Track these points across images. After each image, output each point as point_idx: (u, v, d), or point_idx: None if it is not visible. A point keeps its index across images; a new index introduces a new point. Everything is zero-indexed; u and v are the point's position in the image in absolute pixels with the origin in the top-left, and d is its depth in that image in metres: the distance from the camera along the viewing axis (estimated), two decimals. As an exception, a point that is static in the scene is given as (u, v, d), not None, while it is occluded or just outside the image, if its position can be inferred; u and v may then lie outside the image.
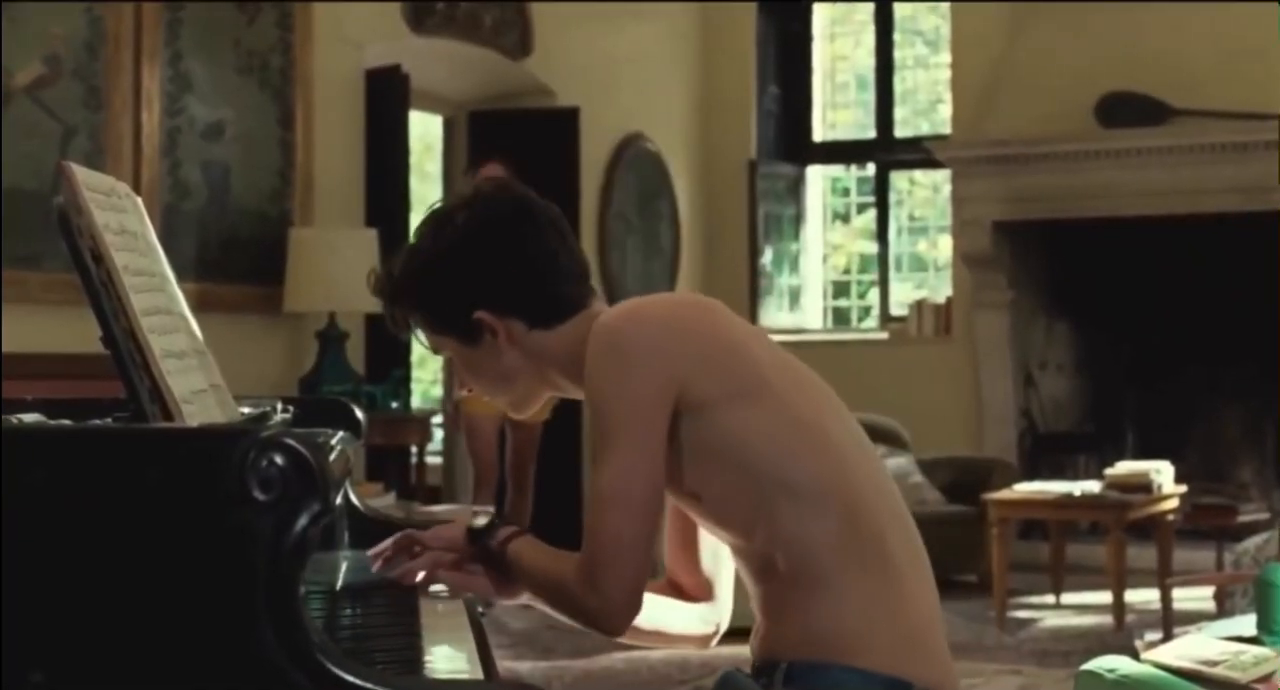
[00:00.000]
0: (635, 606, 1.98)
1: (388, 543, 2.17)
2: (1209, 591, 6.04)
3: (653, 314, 2.05)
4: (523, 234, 2.12)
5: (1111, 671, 3.38)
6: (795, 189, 9.66)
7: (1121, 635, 6.01)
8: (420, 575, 2.12)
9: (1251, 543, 5.65)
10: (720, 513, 2.05)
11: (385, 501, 5.85)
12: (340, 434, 2.19)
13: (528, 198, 2.16)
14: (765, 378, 2.04)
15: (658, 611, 2.21)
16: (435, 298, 2.13)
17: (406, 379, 6.97)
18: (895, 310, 9.40)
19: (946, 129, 9.06)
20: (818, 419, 2.06)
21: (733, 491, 2.01)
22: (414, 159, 7.53)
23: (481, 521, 2.14)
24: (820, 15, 9.73)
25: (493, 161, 6.68)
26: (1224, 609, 5.29)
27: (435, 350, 2.20)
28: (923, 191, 9.83)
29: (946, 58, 9.16)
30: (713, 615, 2.27)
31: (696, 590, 2.27)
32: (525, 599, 2.18)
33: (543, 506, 7.42)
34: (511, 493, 6.74)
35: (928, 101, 9.73)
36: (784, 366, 2.08)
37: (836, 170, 9.89)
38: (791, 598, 2.01)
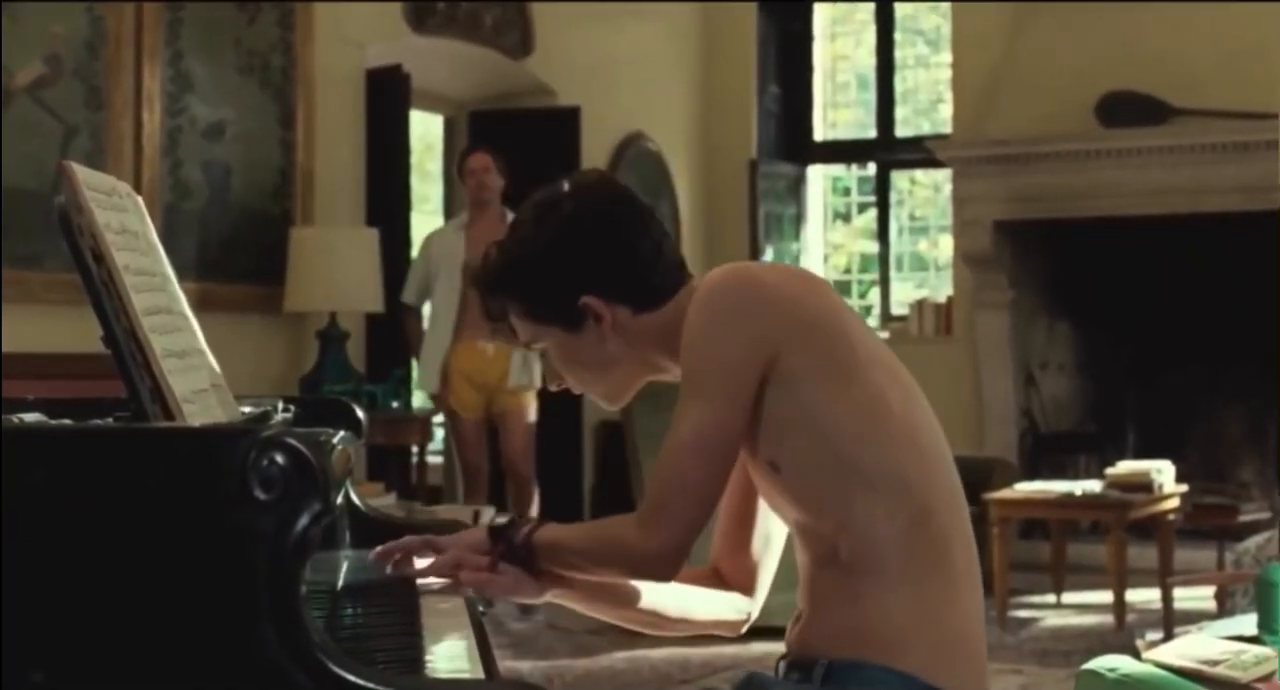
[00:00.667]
0: (686, 551, 1.99)
1: (398, 544, 2.15)
2: (1210, 591, 6.04)
3: (762, 278, 2.06)
4: (628, 220, 2.14)
5: (1112, 671, 3.38)
6: (796, 188, 9.67)
7: (1122, 635, 6.01)
8: (441, 577, 2.12)
9: (1252, 542, 5.65)
10: (797, 488, 2.04)
11: (386, 501, 5.85)
12: (341, 433, 2.19)
13: (628, 188, 2.21)
14: (862, 362, 2.03)
15: (687, 595, 2.21)
16: (542, 284, 2.13)
17: (407, 379, 6.97)
18: (896, 310, 9.40)
19: (947, 128, 9.06)
20: (907, 414, 2.05)
21: (813, 469, 2.01)
22: (415, 158, 7.53)
23: (502, 520, 2.15)
24: (821, 15, 9.73)
25: (479, 151, 6.68)
26: (1225, 608, 5.29)
27: (529, 344, 2.19)
28: (923, 191, 9.83)
29: (947, 57, 9.16)
30: (746, 604, 2.26)
31: (739, 576, 2.26)
32: (550, 596, 2.17)
33: (546, 508, 7.43)
34: (514, 490, 6.74)
35: (928, 101, 9.73)
36: (881, 355, 2.08)
37: (837, 170, 9.89)
38: (844, 588, 2.00)
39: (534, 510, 6.37)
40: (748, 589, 2.26)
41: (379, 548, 2.16)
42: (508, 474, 6.70)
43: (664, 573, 2.01)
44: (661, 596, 2.19)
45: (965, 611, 2.02)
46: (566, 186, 2.17)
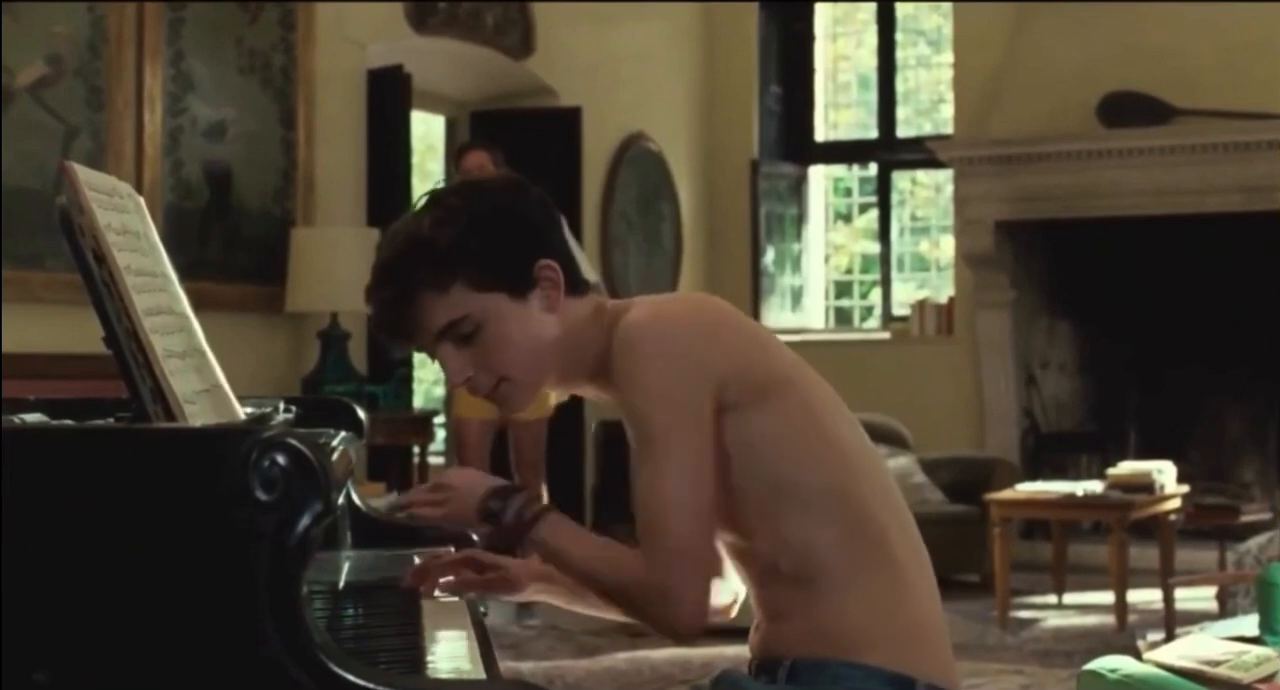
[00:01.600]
0: (707, 607, 1.97)
1: (416, 497, 2.13)
2: (1211, 591, 6.04)
3: (683, 316, 2.03)
4: (535, 205, 2.12)
5: (1114, 671, 3.38)
6: (797, 189, 9.66)
7: (1124, 635, 6.01)
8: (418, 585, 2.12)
9: (1254, 543, 5.65)
10: (727, 512, 2.02)
11: (387, 501, 5.85)
12: (342, 434, 2.19)
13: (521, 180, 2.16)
14: (789, 378, 2.04)
15: None
16: (505, 244, 2.05)
17: (409, 379, 6.97)
18: (897, 310, 9.40)
19: (948, 129, 9.06)
20: (831, 421, 2.05)
21: (739, 495, 2.00)
22: (416, 159, 7.53)
23: (495, 499, 2.04)
24: (822, 15, 9.73)
25: (475, 149, 6.66)
26: (1226, 609, 5.29)
27: (449, 325, 2.04)
28: (925, 191, 9.83)
29: (949, 57, 9.16)
30: (732, 585, 2.24)
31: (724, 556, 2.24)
32: (532, 592, 2.17)
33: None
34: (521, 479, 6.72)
35: (930, 101, 9.73)
36: (800, 370, 2.08)
37: (838, 170, 9.89)
38: (794, 599, 2.01)
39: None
40: (721, 573, 2.22)
41: (402, 499, 2.14)
42: (518, 466, 6.63)
43: (689, 633, 1.96)
44: None
45: (918, 598, 2.04)
46: (473, 180, 2.23)
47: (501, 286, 2.05)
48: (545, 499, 6.65)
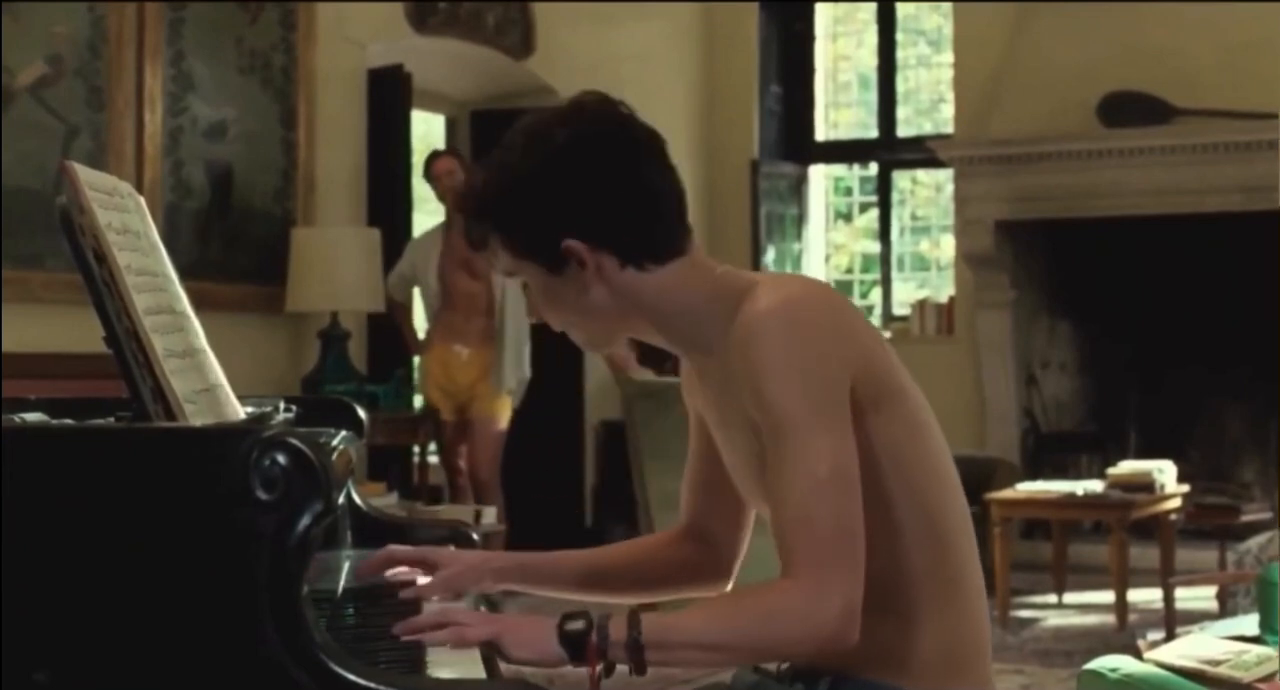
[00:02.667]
0: (860, 608, 1.76)
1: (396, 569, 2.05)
2: (1211, 591, 6.04)
3: (816, 303, 1.88)
4: (625, 159, 1.94)
5: (1114, 671, 3.38)
6: (798, 188, 9.66)
7: (1124, 635, 6.01)
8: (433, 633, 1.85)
9: (1254, 542, 5.65)
10: None
11: (387, 501, 5.85)
12: (343, 433, 2.19)
13: (633, 120, 1.99)
14: (903, 387, 1.93)
15: (665, 571, 2.16)
16: (523, 220, 1.92)
17: (409, 378, 6.98)
18: (897, 310, 9.40)
19: (949, 128, 9.06)
20: (934, 441, 1.96)
21: None
22: (416, 159, 7.53)
23: (576, 624, 1.77)
24: (823, 14, 9.73)
25: (444, 155, 6.67)
26: (1226, 609, 5.29)
27: (509, 274, 1.99)
28: (925, 191, 9.82)
29: (949, 57, 9.16)
30: (730, 562, 2.18)
31: (722, 530, 2.17)
32: (503, 585, 2.11)
33: (547, 508, 7.43)
34: (476, 495, 6.69)
35: (930, 101, 9.73)
36: (910, 379, 1.97)
37: (839, 170, 9.89)
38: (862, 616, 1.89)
39: (491, 516, 6.31)
40: (732, 543, 2.18)
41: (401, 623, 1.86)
42: (470, 478, 6.70)
43: (852, 633, 1.75)
44: (645, 584, 2.15)
45: (976, 630, 1.98)
46: (563, 111, 1.99)
47: (531, 259, 1.94)
48: (499, 507, 6.69)
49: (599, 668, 1.76)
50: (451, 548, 2.32)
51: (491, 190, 1.94)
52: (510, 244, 1.94)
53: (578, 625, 1.76)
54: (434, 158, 6.72)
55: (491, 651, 1.81)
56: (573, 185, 1.91)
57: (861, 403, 1.86)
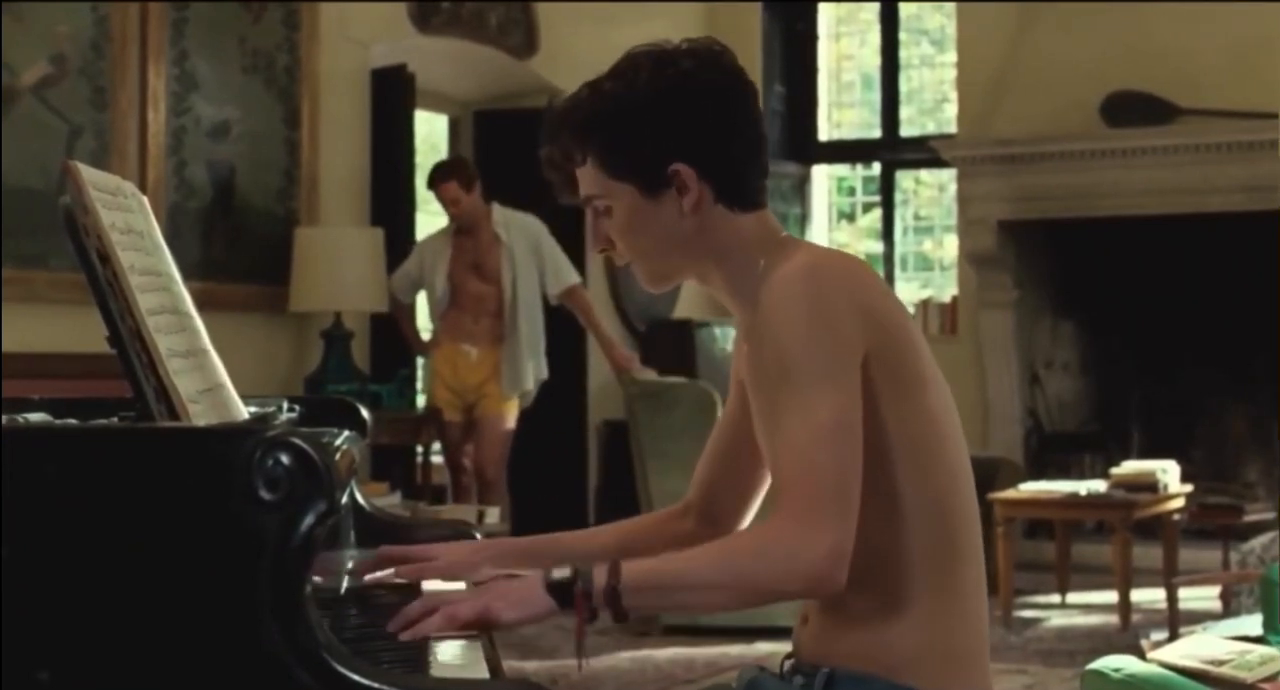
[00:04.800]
0: (849, 559, 1.78)
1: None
2: (1215, 591, 6.03)
3: (856, 273, 1.92)
4: (743, 100, 2.00)
5: (1117, 671, 3.38)
6: (800, 188, 9.66)
7: (1127, 635, 6.01)
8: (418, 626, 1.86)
9: (1257, 542, 5.65)
10: None
11: (391, 501, 5.85)
12: (346, 433, 2.19)
13: (745, 73, 2.04)
14: (927, 378, 1.95)
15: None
16: (641, 138, 1.95)
17: (412, 378, 6.98)
18: (900, 309, 9.39)
19: (952, 128, 9.06)
20: (952, 435, 1.97)
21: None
22: (419, 158, 7.54)
23: (561, 574, 1.81)
24: (825, 14, 9.73)
25: (444, 182, 6.64)
26: (1230, 608, 5.29)
27: (590, 198, 2.00)
28: (928, 191, 9.82)
29: (952, 57, 9.15)
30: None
31: (728, 507, 2.19)
32: (487, 573, 2.10)
33: (550, 507, 7.42)
34: (481, 495, 6.71)
35: (933, 101, 9.73)
36: (937, 372, 1.99)
37: (842, 169, 9.88)
38: (860, 606, 1.92)
39: (494, 516, 6.33)
40: (736, 518, 2.19)
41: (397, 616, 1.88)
42: (477, 478, 6.71)
43: (838, 577, 1.77)
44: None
45: (975, 627, 1.98)
46: (685, 46, 2.00)
47: (631, 179, 1.97)
48: (504, 506, 6.70)
49: (585, 616, 1.78)
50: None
51: (608, 107, 1.97)
52: (612, 161, 1.97)
53: (564, 574, 1.80)
54: (438, 177, 6.67)
55: (484, 628, 1.81)
56: (697, 111, 1.96)
57: (876, 382, 1.88)
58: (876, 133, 9.59)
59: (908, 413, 1.91)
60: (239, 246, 6.33)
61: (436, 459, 7.07)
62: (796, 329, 1.85)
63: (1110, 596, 6.60)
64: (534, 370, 6.68)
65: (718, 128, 1.97)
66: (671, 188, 1.96)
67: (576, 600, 1.78)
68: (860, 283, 1.92)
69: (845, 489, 1.79)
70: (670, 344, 8.25)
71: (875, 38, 9.59)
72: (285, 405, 2.38)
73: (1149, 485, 6.58)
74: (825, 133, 9.76)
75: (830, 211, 9.88)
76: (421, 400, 7.07)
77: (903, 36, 9.57)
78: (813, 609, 2.02)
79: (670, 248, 2.00)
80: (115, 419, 2.03)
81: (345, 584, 2.18)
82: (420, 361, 7.01)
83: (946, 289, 9.27)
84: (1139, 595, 6.58)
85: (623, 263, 2.06)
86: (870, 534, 1.86)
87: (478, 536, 2.41)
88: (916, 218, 9.76)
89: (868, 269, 2.00)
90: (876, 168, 9.63)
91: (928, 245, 9.71)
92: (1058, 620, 6.67)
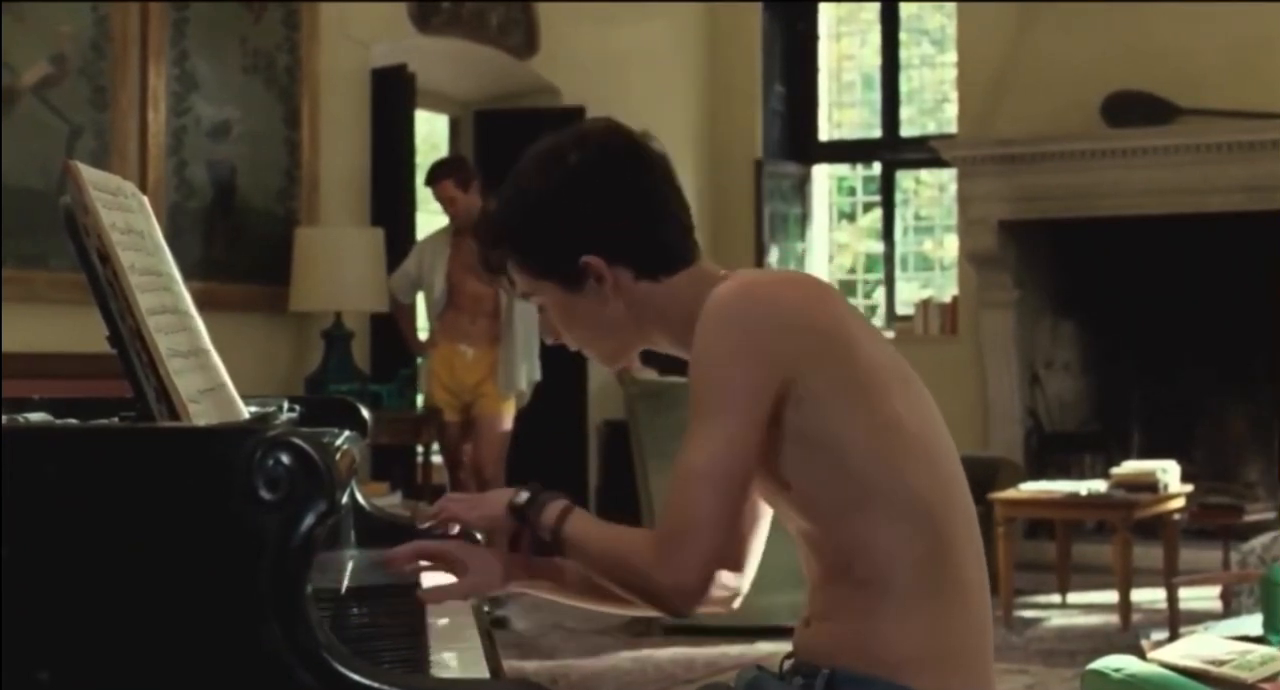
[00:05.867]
0: (707, 587, 1.90)
1: (433, 512, 2.11)
2: (1215, 591, 6.03)
3: (776, 294, 1.96)
4: (637, 177, 2.05)
5: (1118, 671, 3.38)
6: (801, 188, 9.66)
7: (1127, 635, 6.01)
8: (417, 566, 2.08)
9: (1258, 542, 5.64)
10: (808, 504, 1.97)
11: (391, 501, 5.86)
12: (346, 433, 2.19)
13: (640, 141, 2.09)
14: (879, 381, 1.96)
15: None
16: (543, 239, 2.03)
17: (412, 378, 6.98)
18: (901, 309, 9.40)
19: (952, 128, 9.06)
20: (923, 430, 1.99)
21: (828, 490, 1.94)
22: (420, 158, 7.53)
23: (524, 496, 2.03)
24: (826, 14, 9.73)
25: (441, 180, 6.64)
26: (1230, 608, 5.29)
27: (526, 296, 2.10)
28: (928, 191, 9.82)
29: (952, 57, 9.15)
30: (734, 580, 2.17)
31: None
32: (515, 586, 2.11)
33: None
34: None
35: (933, 100, 9.73)
36: (894, 367, 2.00)
37: (842, 169, 9.88)
38: (856, 603, 1.95)
39: None
40: (737, 565, 2.18)
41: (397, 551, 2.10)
42: (475, 478, 6.72)
43: (684, 610, 1.90)
44: None
45: (976, 627, 1.99)
46: (573, 135, 2.07)
47: (550, 278, 2.05)
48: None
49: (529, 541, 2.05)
50: (479, 538, 2.29)
51: (509, 215, 2.05)
52: (529, 266, 2.06)
53: (523, 498, 2.02)
54: (435, 175, 6.68)
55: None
56: (589, 203, 2.02)
57: (822, 393, 1.92)
58: (877, 132, 9.59)
59: (865, 417, 1.93)
60: (239, 246, 6.33)
61: (436, 459, 7.08)
62: (700, 365, 1.93)
63: (1111, 596, 6.60)
64: (527, 372, 6.69)
65: (615, 212, 2.02)
66: (589, 278, 2.02)
67: (529, 522, 2.01)
68: (791, 304, 1.95)
69: (704, 531, 1.87)
70: (670, 344, 8.24)
71: (876, 38, 9.59)
72: (286, 405, 2.38)
73: (1149, 485, 6.58)
74: (826, 132, 9.76)
75: (831, 211, 9.89)
76: (422, 400, 7.08)
77: (903, 36, 9.57)
78: (813, 610, 2.03)
79: (608, 331, 2.07)
80: (116, 419, 2.03)
81: (350, 581, 2.18)
82: (419, 361, 7.01)
83: (947, 289, 9.27)
84: (1139, 595, 6.57)
85: (575, 349, 2.14)
86: (859, 534, 1.92)
87: (478, 536, 2.42)
88: (917, 217, 9.76)
89: (807, 285, 2.05)
90: (877, 167, 9.63)
91: (928, 245, 9.71)
92: (1058, 620, 6.67)
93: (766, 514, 2.19)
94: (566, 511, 2.00)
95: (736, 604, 2.19)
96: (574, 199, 2.02)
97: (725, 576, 2.15)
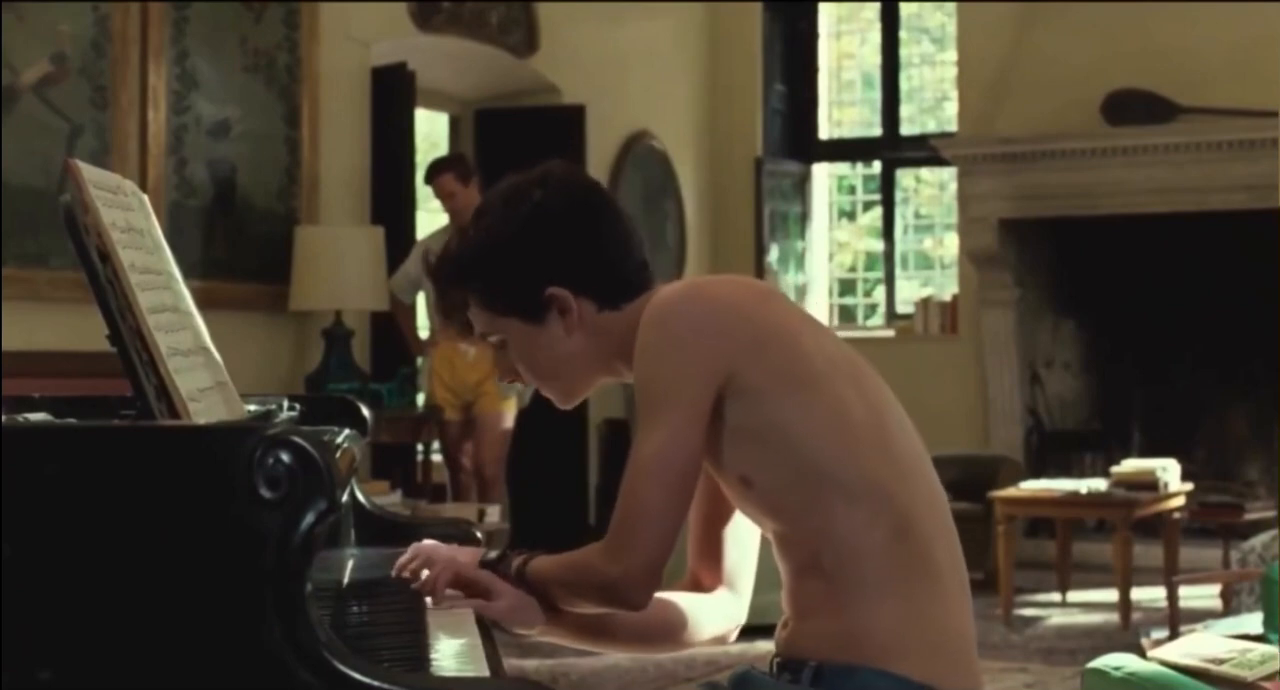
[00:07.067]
0: (656, 580, 1.96)
1: (405, 559, 2.15)
2: (1215, 589, 6.03)
3: (711, 293, 2.04)
4: (600, 210, 2.12)
5: (1118, 669, 3.38)
6: (801, 187, 9.66)
7: (1128, 633, 6.01)
8: (438, 586, 2.10)
9: (1258, 541, 5.64)
10: (771, 500, 2.01)
11: (391, 499, 5.85)
12: (346, 432, 2.19)
13: (596, 181, 2.20)
14: (821, 372, 2.00)
15: (671, 619, 2.18)
16: (510, 272, 2.09)
17: (413, 377, 6.98)
18: (901, 308, 9.40)
19: (952, 126, 9.06)
20: (876, 419, 2.03)
21: (786, 482, 1.98)
22: (420, 157, 7.53)
23: (493, 554, 2.12)
24: (826, 13, 9.73)
25: (440, 175, 6.64)
26: (1230, 607, 5.29)
27: (485, 335, 2.15)
28: (929, 189, 9.82)
29: (952, 55, 9.15)
30: (735, 610, 2.24)
31: (719, 582, 2.24)
32: (541, 630, 2.14)
33: (551, 506, 7.42)
34: (480, 492, 6.72)
35: (934, 99, 9.73)
36: (842, 361, 2.05)
37: (842, 168, 9.89)
38: (830, 597, 1.98)
39: (495, 514, 6.35)
40: (731, 593, 2.24)
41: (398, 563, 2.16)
42: (476, 476, 6.72)
43: (634, 600, 1.96)
44: (647, 626, 2.16)
45: (953, 610, 2.01)
46: (534, 176, 2.14)
47: (513, 313, 2.10)
48: (503, 504, 6.69)
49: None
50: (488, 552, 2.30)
51: (476, 250, 2.11)
52: (492, 302, 2.11)
53: (493, 555, 2.13)
54: (434, 172, 6.68)
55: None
56: (555, 236, 2.09)
57: (763, 386, 1.97)
58: (877, 131, 9.59)
59: (809, 405, 1.98)
60: (240, 245, 6.33)
61: (437, 458, 7.08)
62: (642, 365, 2.00)
63: (1111, 595, 6.60)
64: None
65: (580, 245, 2.09)
66: (553, 310, 2.09)
67: (497, 571, 2.10)
68: (729, 300, 2.02)
69: (649, 524, 1.94)
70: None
71: (876, 36, 9.59)
72: (286, 404, 2.38)
73: (1149, 484, 6.58)
74: (826, 131, 9.76)
75: (831, 210, 9.89)
76: (423, 399, 7.08)
77: (903, 35, 9.57)
78: (789, 608, 2.06)
79: (569, 362, 2.12)
80: (116, 418, 2.03)
81: (349, 579, 2.17)
82: (419, 360, 7.01)
83: (947, 287, 9.27)
84: (1139, 594, 6.58)
85: (530, 387, 2.21)
86: (821, 524, 1.97)
87: (479, 535, 2.42)
88: (917, 216, 9.76)
89: (748, 285, 2.12)
90: (877, 166, 9.63)
91: (928, 244, 9.71)
92: (1058, 618, 6.67)
93: (753, 532, 2.22)
94: (531, 556, 2.09)
95: (733, 637, 2.27)
96: (540, 232, 2.08)
97: (727, 608, 2.22)
